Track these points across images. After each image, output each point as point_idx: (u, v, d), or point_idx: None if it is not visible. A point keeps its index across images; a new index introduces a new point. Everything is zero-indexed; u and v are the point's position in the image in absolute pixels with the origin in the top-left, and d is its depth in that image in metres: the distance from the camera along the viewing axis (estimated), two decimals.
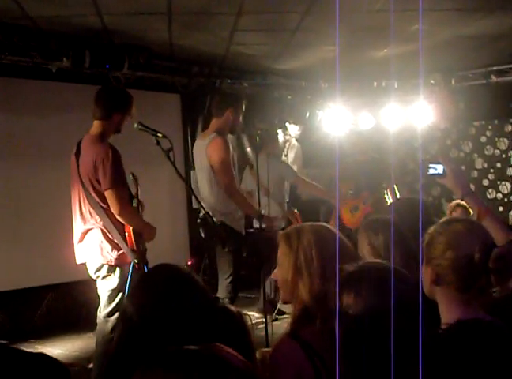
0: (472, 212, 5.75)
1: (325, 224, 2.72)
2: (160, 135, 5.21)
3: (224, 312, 2.10)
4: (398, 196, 8.80)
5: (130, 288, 2.32)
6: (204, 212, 5.88)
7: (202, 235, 6.34)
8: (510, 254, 2.40)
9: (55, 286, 7.71)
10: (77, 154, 5.18)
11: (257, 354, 2.38)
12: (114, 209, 4.99)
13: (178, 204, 9.28)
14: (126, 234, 5.10)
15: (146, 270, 4.96)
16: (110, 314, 5.10)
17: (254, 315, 7.12)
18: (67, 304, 7.89)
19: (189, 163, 9.32)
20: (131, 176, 5.35)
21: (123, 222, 5.07)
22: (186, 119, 9.56)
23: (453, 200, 7.12)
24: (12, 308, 7.39)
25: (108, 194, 4.97)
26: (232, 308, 2.13)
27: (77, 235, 5.24)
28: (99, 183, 5.00)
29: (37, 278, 7.46)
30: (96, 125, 5.18)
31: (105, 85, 5.28)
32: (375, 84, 10.08)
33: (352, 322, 1.95)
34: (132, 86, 8.10)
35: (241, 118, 6.51)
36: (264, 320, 5.89)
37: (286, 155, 10.78)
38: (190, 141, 9.57)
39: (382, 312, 1.92)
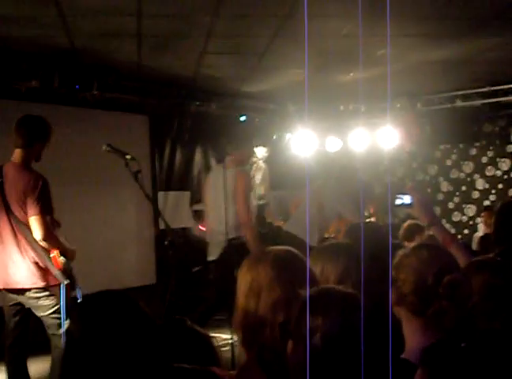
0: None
1: (291, 249, 2.72)
2: (128, 157, 5.22)
3: (192, 333, 2.12)
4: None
5: (76, 312, 2.38)
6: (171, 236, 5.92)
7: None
8: (460, 281, 2.44)
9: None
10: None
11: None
12: (38, 234, 5.11)
13: (145, 225, 9.26)
14: (51, 255, 5.22)
15: (78, 290, 5.22)
16: (58, 330, 5.23)
17: (220, 336, 7.11)
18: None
19: (156, 185, 9.35)
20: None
21: (47, 246, 5.18)
22: (154, 140, 9.57)
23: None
24: None
25: (33, 220, 5.11)
26: (199, 329, 2.15)
27: (4, 260, 5.28)
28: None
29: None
30: (18, 154, 5.27)
31: (25, 115, 5.36)
32: (342, 107, 10.18)
33: (317, 343, 1.98)
34: (101, 106, 8.13)
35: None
36: (230, 341, 5.88)
37: (253, 177, 10.81)
38: (157, 162, 9.59)
39: (335, 337, 1.96)
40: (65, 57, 7.11)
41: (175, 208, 9.74)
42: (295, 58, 7.20)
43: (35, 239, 5.15)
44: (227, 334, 6.96)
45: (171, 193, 9.79)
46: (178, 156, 9.95)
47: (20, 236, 5.20)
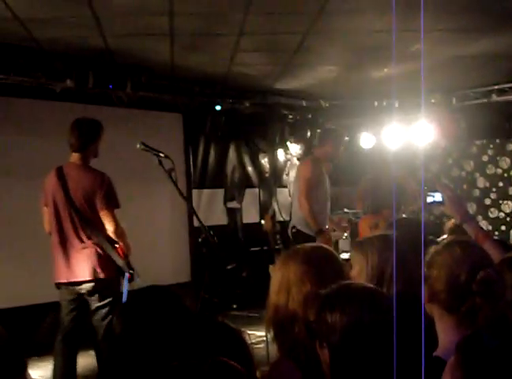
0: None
1: (323, 246, 2.73)
2: (162, 155, 5.27)
3: (223, 328, 2.14)
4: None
5: (122, 307, 2.49)
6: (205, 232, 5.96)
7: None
8: (494, 278, 2.41)
9: (57, 303, 7.70)
10: (61, 179, 5.51)
11: (258, 373, 2.39)
12: (111, 227, 5.46)
13: (179, 223, 9.30)
14: (116, 246, 5.53)
15: (138, 279, 5.45)
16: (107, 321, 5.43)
17: (254, 334, 7.12)
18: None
19: (190, 183, 9.40)
20: None
21: (117, 239, 5.50)
22: (187, 138, 9.62)
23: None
24: (13, 325, 7.35)
25: (105, 214, 5.47)
26: (231, 324, 2.17)
27: (66, 255, 5.53)
28: (95, 206, 5.46)
29: (39, 295, 7.46)
30: (75, 156, 5.56)
31: (77, 119, 5.66)
32: (376, 103, 10.13)
33: (337, 340, 1.98)
34: (134, 105, 8.18)
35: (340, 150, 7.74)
36: (264, 339, 5.90)
37: (287, 174, 10.82)
38: (191, 160, 9.64)
39: (355, 334, 1.97)
40: (98, 57, 7.19)
41: (209, 205, 9.78)
42: (328, 55, 7.19)
43: (100, 232, 5.45)
44: (261, 331, 6.98)
45: (205, 191, 9.83)
46: (212, 154, 9.99)
47: (81, 230, 5.47)
